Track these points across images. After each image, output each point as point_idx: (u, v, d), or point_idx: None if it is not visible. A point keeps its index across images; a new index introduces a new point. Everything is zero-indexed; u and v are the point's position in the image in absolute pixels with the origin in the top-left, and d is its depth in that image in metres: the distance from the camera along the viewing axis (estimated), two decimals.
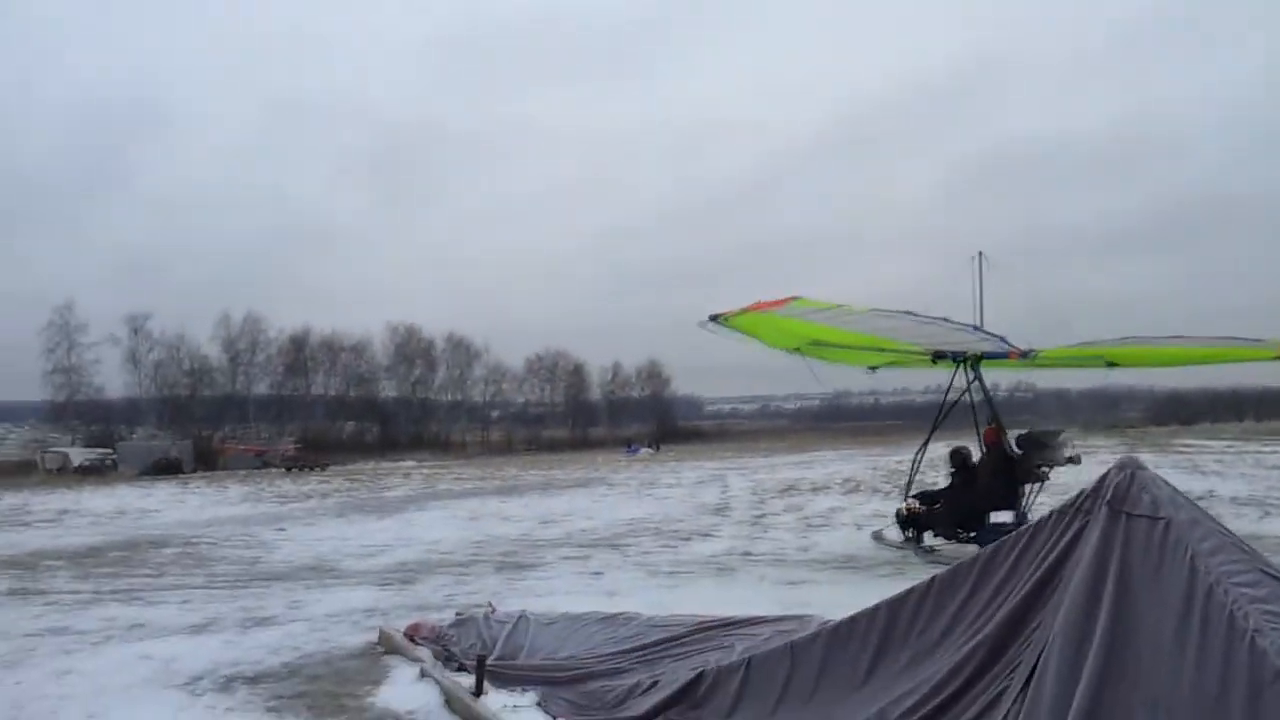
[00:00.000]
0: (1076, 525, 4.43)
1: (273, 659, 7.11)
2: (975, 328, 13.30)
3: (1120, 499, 4.30)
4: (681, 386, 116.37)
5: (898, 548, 12.60)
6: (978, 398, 13.04)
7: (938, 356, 12.80)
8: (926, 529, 12.38)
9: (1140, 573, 4.05)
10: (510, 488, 25.58)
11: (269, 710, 5.89)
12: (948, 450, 13.14)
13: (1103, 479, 4.45)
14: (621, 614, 7.61)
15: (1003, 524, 11.58)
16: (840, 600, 8.30)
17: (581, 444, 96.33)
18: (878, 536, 13.47)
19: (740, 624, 6.99)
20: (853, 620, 5.17)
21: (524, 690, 5.93)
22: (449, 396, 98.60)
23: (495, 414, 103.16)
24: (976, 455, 12.83)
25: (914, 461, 13.48)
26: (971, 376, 12.98)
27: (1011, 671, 4.27)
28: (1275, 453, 36.75)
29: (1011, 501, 12.18)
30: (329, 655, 7.22)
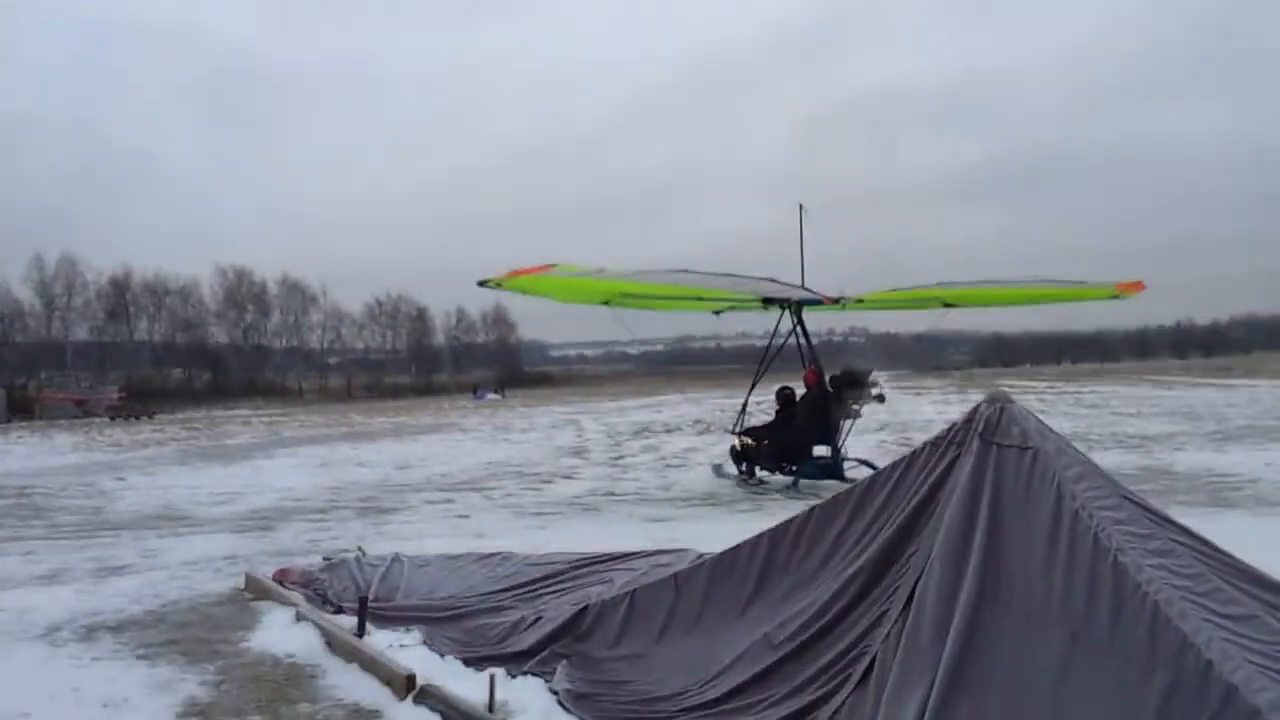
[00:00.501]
0: (950, 456, 4.65)
1: (134, 607, 6.86)
2: (770, 279, 13.62)
3: (991, 431, 4.53)
4: (527, 332, 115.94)
5: (734, 481, 13.18)
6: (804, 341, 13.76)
7: (767, 301, 13.48)
8: (756, 463, 13.18)
9: (1011, 499, 4.29)
10: (359, 434, 25.10)
11: (139, 658, 5.69)
12: (775, 390, 13.82)
13: (974, 412, 4.69)
14: (498, 553, 7.65)
15: (821, 457, 13.03)
16: (705, 534, 8.59)
17: (425, 390, 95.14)
18: (718, 470, 13.96)
19: (617, 559, 7.13)
20: (735, 551, 5.33)
21: (407, 629, 5.92)
22: (284, 342, 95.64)
23: (334, 360, 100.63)
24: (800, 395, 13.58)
25: (744, 401, 14.00)
26: (794, 321, 13.69)
27: (891, 594, 4.48)
28: (1092, 393, 39.35)
29: (828, 437, 13.06)
30: (194, 602, 7.01)
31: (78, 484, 14.62)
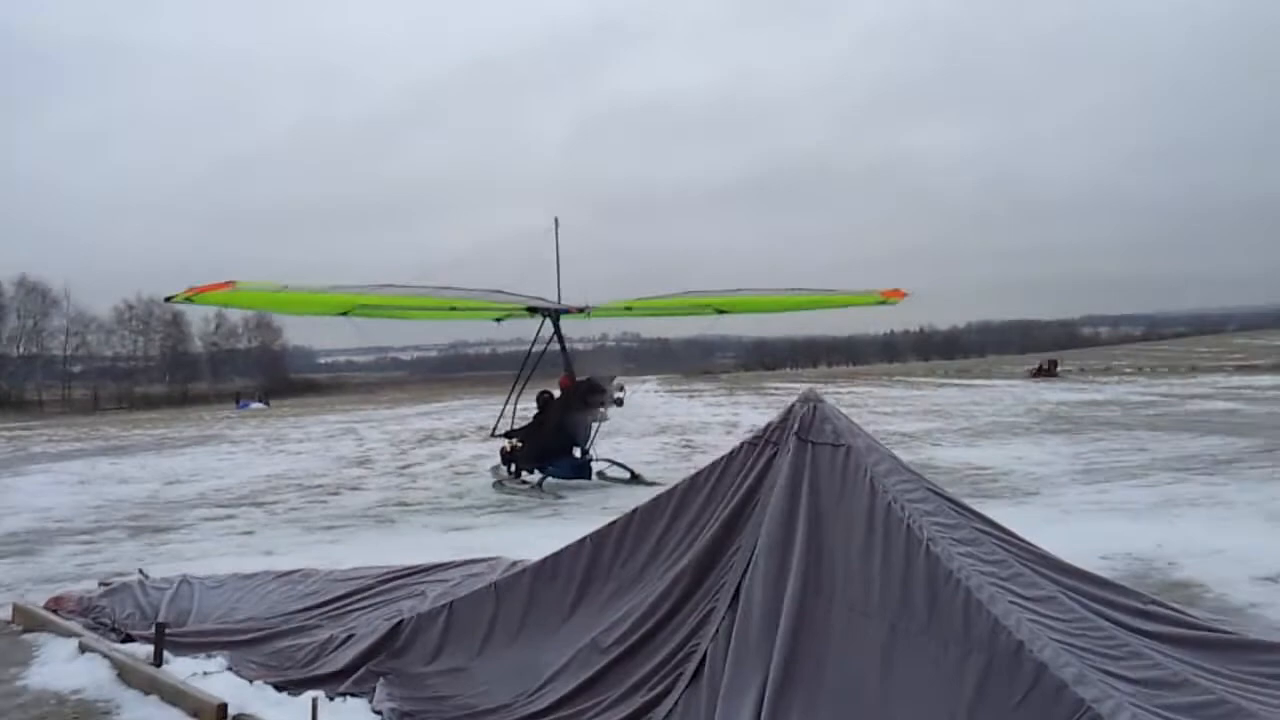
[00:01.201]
0: (767, 454, 4.83)
1: None
2: (498, 291, 14.24)
3: (806, 429, 4.74)
4: (293, 337, 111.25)
5: (509, 487, 13.43)
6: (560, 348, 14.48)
7: (531, 310, 14.25)
8: (518, 463, 13.86)
9: (828, 494, 4.49)
10: (117, 448, 23.41)
11: None
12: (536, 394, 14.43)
13: (788, 412, 4.89)
14: (297, 571, 7.33)
15: (574, 458, 13.82)
16: (507, 542, 8.56)
17: (182, 400, 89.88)
18: (496, 478, 14.07)
19: (427, 570, 6.98)
20: (556, 557, 5.32)
21: (209, 655, 5.58)
22: (21, 349, 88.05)
23: (78, 368, 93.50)
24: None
25: (504, 405, 14.53)
26: (554, 329, 14.34)
27: (717, 592, 4.59)
28: (849, 393, 41.50)
29: (576, 438, 13.85)
30: None
31: None
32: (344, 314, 13.64)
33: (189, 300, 12.60)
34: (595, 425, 14.11)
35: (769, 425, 4.95)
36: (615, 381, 14.23)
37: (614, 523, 5.26)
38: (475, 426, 26.05)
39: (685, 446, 19.14)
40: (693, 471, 5.22)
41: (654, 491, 11.75)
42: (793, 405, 4.92)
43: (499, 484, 13.79)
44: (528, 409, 14.32)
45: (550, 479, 13.30)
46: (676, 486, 5.20)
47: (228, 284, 12.48)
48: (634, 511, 5.24)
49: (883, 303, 15.40)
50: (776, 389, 52.95)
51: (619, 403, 14.08)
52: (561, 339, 14.56)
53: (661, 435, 22.34)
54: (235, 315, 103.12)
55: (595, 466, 14.03)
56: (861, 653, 3.98)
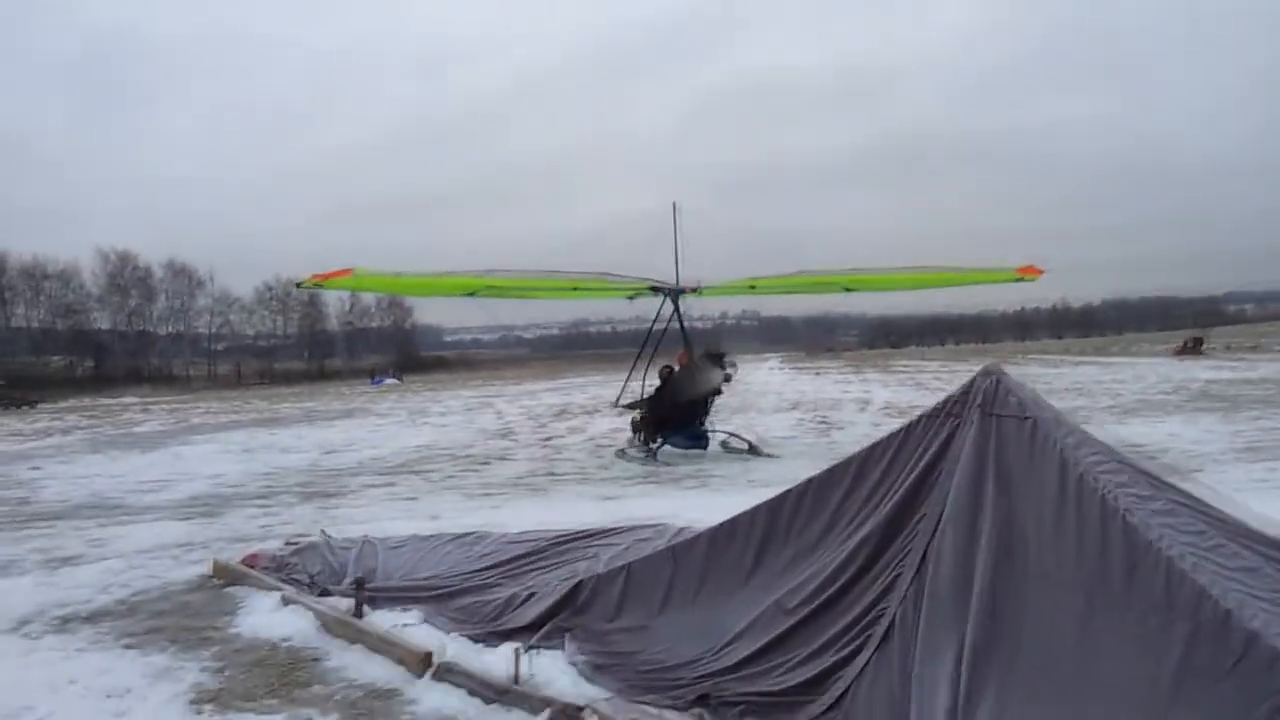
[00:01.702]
0: (948, 427, 4.84)
1: (102, 597, 6.69)
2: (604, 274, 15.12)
3: (990, 402, 4.73)
4: (422, 316, 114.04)
5: (629, 455, 14.11)
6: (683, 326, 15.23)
7: (654, 289, 15.00)
8: (643, 434, 14.46)
9: (1016, 466, 4.49)
10: (270, 420, 24.51)
11: (126, 648, 5.57)
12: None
13: (969, 385, 4.88)
14: (472, 533, 7.66)
15: (691, 428, 14.25)
16: (658, 509, 8.75)
17: (319, 376, 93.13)
18: (620, 453, 14.57)
19: (596, 535, 7.21)
20: (733, 522, 5.45)
21: (404, 609, 5.91)
22: (170, 328, 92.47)
23: (222, 346, 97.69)
24: None
25: (625, 379, 15.34)
26: (674, 307, 15.08)
27: (902, 558, 4.65)
28: None
29: (693, 411, 14.30)
30: (164, 590, 6.86)
31: None
32: (471, 294, 14.39)
33: (317, 285, 13.77)
34: (711, 399, 14.49)
35: (948, 398, 4.94)
36: (727, 359, 14.70)
37: (789, 490, 5.35)
38: (607, 402, 26.41)
39: (821, 423, 19.08)
40: (869, 444, 5.26)
41: (772, 463, 12.08)
42: (974, 379, 4.92)
43: (621, 452, 14.53)
44: (654, 385, 14.79)
45: (668, 448, 13.97)
46: (853, 457, 5.23)
47: (347, 270, 13.57)
48: (810, 480, 5.31)
49: (1019, 280, 15.04)
50: (905, 367, 52.17)
51: (728, 379, 14.54)
52: (680, 317, 15.22)
53: (794, 412, 22.30)
54: (368, 296, 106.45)
55: (716, 438, 14.55)
56: (1058, 619, 3.99)
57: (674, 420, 14.22)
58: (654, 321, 15.43)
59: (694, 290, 15.22)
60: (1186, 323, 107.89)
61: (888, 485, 4.95)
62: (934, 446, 4.83)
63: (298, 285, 14.63)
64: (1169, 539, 3.99)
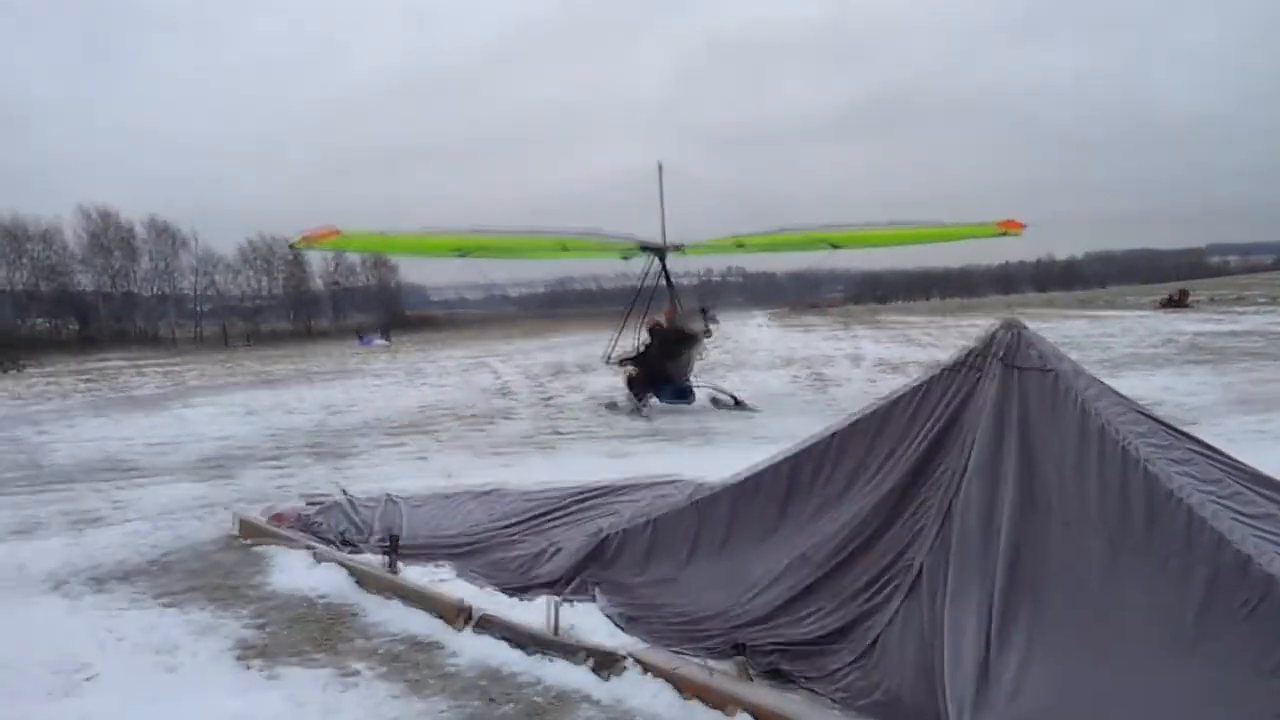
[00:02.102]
0: (970, 379, 4.97)
1: (134, 556, 6.82)
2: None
3: (1011, 355, 4.86)
4: (407, 275, 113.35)
5: (619, 407, 14.66)
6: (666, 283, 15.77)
7: (643, 248, 15.41)
8: (633, 389, 14.90)
9: (1037, 417, 4.63)
10: (268, 381, 24.53)
11: (166, 605, 5.72)
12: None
13: (990, 338, 5.01)
14: (493, 490, 7.80)
15: (676, 383, 14.70)
16: (669, 465, 8.90)
17: (305, 336, 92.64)
18: (611, 406, 15.07)
19: (615, 490, 7.36)
20: (756, 476, 5.59)
21: (435, 564, 6.07)
22: (154, 289, 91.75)
23: (207, 307, 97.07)
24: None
25: (614, 336, 15.78)
26: (658, 266, 15.56)
27: (927, 510, 4.79)
28: (972, 326, 40.76)
29: (681, 366, 14.82)
30: (194, 548, 7.00)
31: None
32: (461, 254, 14.83)
33: (309, 245, 14.17)
34: (693, 355, 14.98)
35: (969, 351, 5.06)
36: (709, 314, 15.44)
37: (810, 446, 5.47)
38: (601, 360, 26.54)
39: (816, 379, 19.25)
40: (892, 396, 5.37)
41: (775, 419, 12.28)
42: (994, 331, 5.05)
43: (611, 404, 15.12)
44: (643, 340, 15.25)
45: (655, 402, 14.54)
46: (875, 409, 5.34)
47: (333, 231, 13.68)
48: (832, 433, 5.44)
49: (1002, 234, 15.44)
50: (894, 323, 52.34)
51: (708, 333, 15.10)
52: (668, 275, 15.70)
53: (789, 368, 22.44)
54: (353, 255, 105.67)
55: (704, 393, 15.01)
56: (1082, 564, 4.17)
57: (660, 376, 14.70)
58: (642, 279, 15.89)
59: (679, 248, 15.67)
60: (1170, 276, 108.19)
61: (910, 437, 5.08)
62: (956, 399, 4.96)
63: (290, 246, 14.51)
64: (1188, 487, 4.15)
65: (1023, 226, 15.33)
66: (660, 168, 15.79)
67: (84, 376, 30.31)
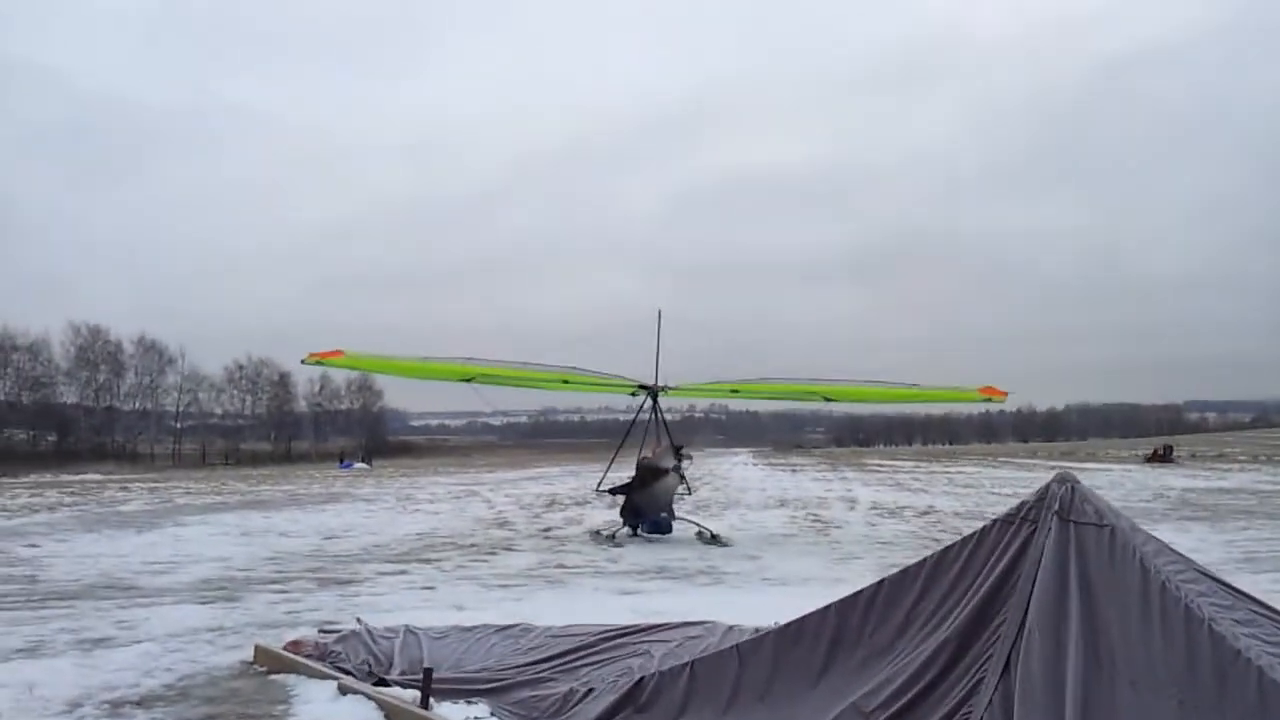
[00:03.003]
0: (1024, 532, 4.99)
1: (149, 681, 6.61)
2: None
3: (1066, 509, 4.90)
4: (390, 400, 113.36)
5: (601, 536, 15.51)
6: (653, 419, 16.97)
7: (641, 387, 16.64)
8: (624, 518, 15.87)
9: (1096, 573, 4.64)
10: (258, 503, 24.23)
11: None
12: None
13: (1044, 492, 5.06)
14: (517, 625, 7.67)
15: (655, 517, 15.67)
16: (683, 606, 8.81)
17: (285, 458, 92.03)
18: (597, 536, 15.74)
19: (645, 631, 7.24)
20: (801, 622, 5.52)
21: (469, 701, 5.91)
22: (137, 405, 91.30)
23: (189, 424, 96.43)
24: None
25: (607, 468, 17.02)
26: (651, 404, 16.74)
27: (985, 662, 4.76)
28: (960, 473, 40.98)
29: (658, 501, 15.68)
30: (209, 675, 6.79)
31: None
32: (468, 380, 15.78)
33: (318, 363, 15.18)
34: (668, 490, 15.78)
35: (1023, 504, 5.11)
36: (683, 451, 16.40)
37: (860, 592, 5.44)
38: (594, 493, 26.40)
39: (815, 520, 19.19)
40: (941, 547, 5.39)
41: (782, 561, 12.34)
42: (1049, 485, 5.09)
43: (597, 533, 15.97)
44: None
45: (640, 533, 15.54)
46: (926, 560, 5.35)
47: (338, 351, 15.38)
48: (881, 582, 5.42)
49: (986, 400, 16.60)
50: (880, 466, 52.47)
51: (678, 469, 15.92)
52: (659, 414, 16.83)
53: (783, 509, 22.40)
54: (339, 377, 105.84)
55: (686, 527, 15.86)
56: None
57: (641, 509, 15.64)
58: (635, 415, 17.09)
59: (670, 389, 16.80)
60: (1149, 430, 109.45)
61: (963, 589, 5.07)
62: (1010, 551, 4.97)
63: (302, 362, 15.20)
64: (1255, 648, 4.14)
65: (1005, 394, 16.26)
66: (660, 315, 16.91)
67: (67, 490, 29.88)
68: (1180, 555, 4.88)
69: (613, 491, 16.28)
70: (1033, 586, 4.76)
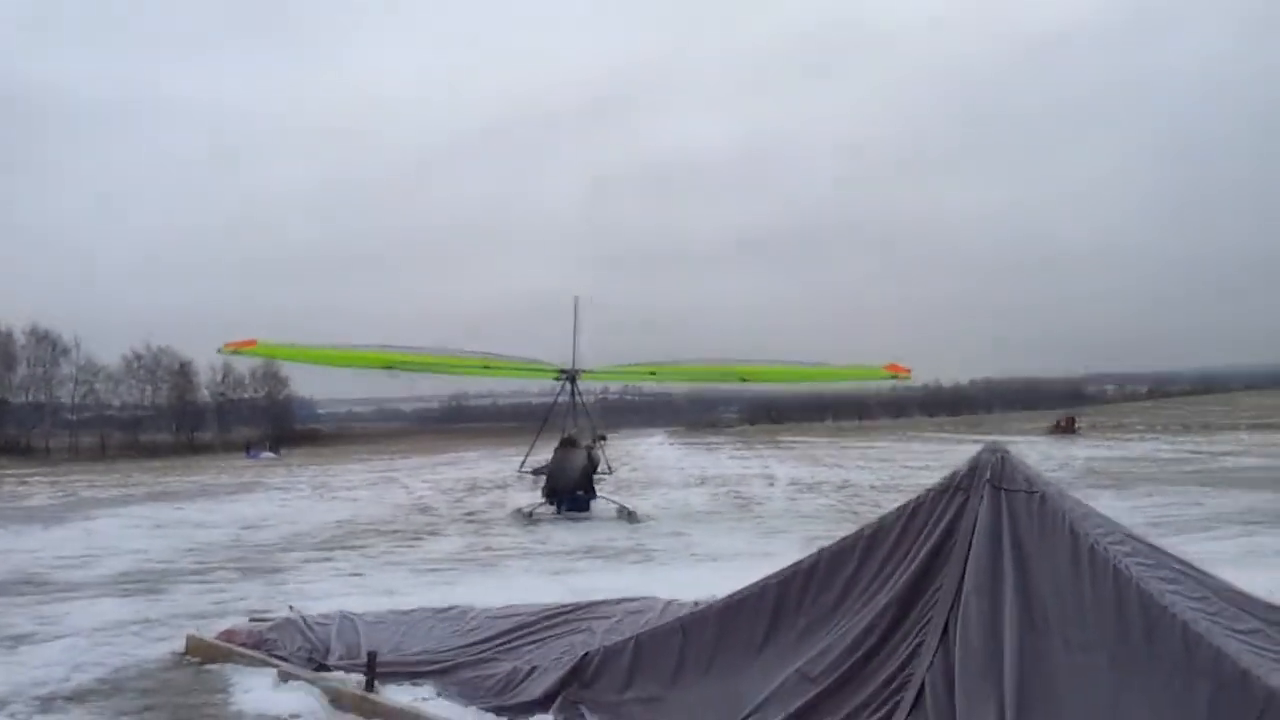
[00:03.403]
0: (958, 501, 5.17)
1: (79, 675, 6.45)
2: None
3: (998, 477, 5.08)
4: (298, 388, 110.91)
5: (521, 514, 15.98)
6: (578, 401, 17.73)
7: (561, 372, 17.30)
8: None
9: (1028, 538, 4.82)
10: (163, 494, 23.65)
11: None
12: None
13: (975, 462, 5.24)
14: (455, 608, 7.64)
15: (573, 495, 16.31)
16: (618, 583, 8.90)
17: (188, 449, 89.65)
18: (527, 514, 16.11)
19: (584, 609, 7.28)
20: (743, 595, 5.63)
21: (414, 683, 5.90)
22: (30, 396, 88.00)
23: (84, 415, 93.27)
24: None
25: (528, 450, 17.67)
26: (572, 389, 17.45)
27: (924, 626, 4.91)
28: (872, 448, 41.83)
29: (570, 479, 16.37)
30: (141, 668, 6.65)
31: None
32: (388, 367, 16.33)
33: (235, 353, 15.96)
34: (584, 469, 16.48)
35: (956, 473, 5.28)
36: (596, 430, 17.65)
37: (798, 565, 5.56)
38: (514, 476, 26.34)
39: (736, 497, 19.45)
40: (878, 516, 5.54)
41: (709, 537, 12.58)
42: (980, 454, 5.28)
43: (518, 511, 16.41)
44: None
45: (561, 512, 16.17)
46: (862, 530, 5.50)
47: (251, 341, 16.02)
48: (820, 552, 5.56)
49: (891, 378, 17.79)
50: (794, 443, 53.24)
51: (588, 449, 16.86)
52: (577, 397, 17.52)
53: (703, 487, 22.64)
54: (243, 366, 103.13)
55: (600, 506, 16.52)
56: (1087, 683, 4.30)
57: (559, 488, 16.32)
58: (555, 398, 17.77)
59: (592, 372, 17.63)
60: (1051, 403, 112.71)
61: (900, 556, 5.22)
62: (945, 519, 5.13)
63: (218, 351, 15.92)
64: (1179, 604, 4.36)
65: (908, 371, 17.63)
66: (576, 301, 17.45)
67: None
68: (1107, 519, 5.10)
69: (534, 472, 16.89)
70: (968, 552, 4.92)
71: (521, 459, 17.59)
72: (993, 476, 5.10)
